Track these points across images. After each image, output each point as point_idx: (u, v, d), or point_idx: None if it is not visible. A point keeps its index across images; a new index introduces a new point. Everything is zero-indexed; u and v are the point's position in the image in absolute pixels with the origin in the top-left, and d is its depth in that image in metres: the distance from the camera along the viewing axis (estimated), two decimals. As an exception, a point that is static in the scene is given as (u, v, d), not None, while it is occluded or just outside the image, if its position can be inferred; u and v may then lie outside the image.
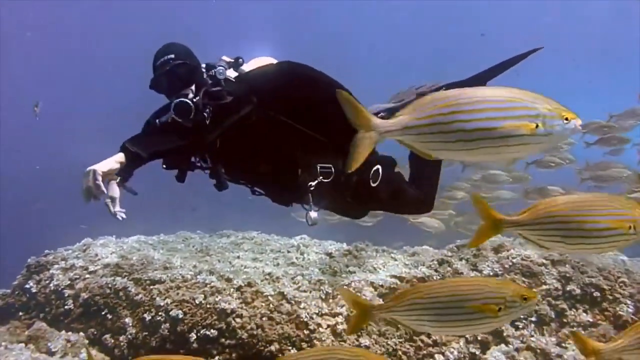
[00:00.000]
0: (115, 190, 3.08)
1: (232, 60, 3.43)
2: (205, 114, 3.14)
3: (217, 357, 4.41)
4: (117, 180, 3.17)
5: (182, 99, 3.14)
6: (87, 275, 5.14)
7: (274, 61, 3.67)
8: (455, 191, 8.68)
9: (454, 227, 8.56)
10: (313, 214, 3.47)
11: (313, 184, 3.41)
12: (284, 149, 3.41)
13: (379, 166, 3.63)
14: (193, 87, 3.24)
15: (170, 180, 3.48)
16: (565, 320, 4.68)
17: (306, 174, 3.41)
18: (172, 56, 3.24)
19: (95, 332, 4.74)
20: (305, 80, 3.45)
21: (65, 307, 4.94)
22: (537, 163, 8.21)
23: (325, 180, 3.44)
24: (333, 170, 3.46)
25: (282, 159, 3.42)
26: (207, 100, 3.18)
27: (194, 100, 3.15)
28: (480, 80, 3.88)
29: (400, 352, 4.45)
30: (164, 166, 3.38)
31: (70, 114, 21.82)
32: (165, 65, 3.22)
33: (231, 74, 3.41)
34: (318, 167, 3.43)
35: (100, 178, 2.77)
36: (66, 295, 5.02)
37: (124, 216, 3.01)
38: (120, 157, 2.92)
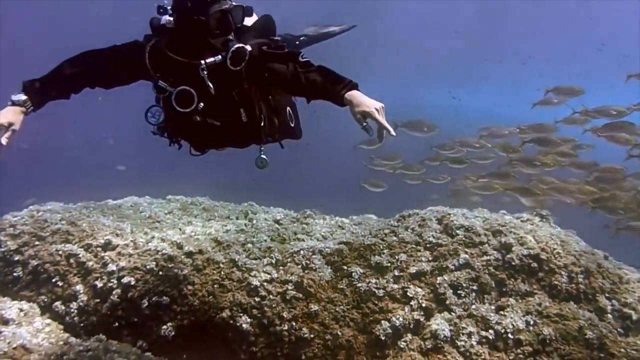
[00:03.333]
0: (19, 122, 3.01)
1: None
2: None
3: (169, 324, 4.48)
4: (29, 109, 3.08)
5: (242, 45, 3.15)
6: (37, 242, 5.04)
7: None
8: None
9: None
10: (263, 156, 3.67)
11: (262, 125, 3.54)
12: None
13: (288, 108, 3.90)
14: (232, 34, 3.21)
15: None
16: (504, 289, 4.90)
17: (258, 116, 3.52)
18: None
19: (45, 300, 4.68)
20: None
21: (14, 274, 4.83)
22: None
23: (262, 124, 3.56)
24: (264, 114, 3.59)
25: (252, 103, 3.48)
26: (279, 49, 3.27)
27: (248, 47, 3.17)
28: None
29: (348, 319, 4.61)
30: None
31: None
32: (223, 2, 3.10)
33: None
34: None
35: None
36: (15, 262, 4.92)
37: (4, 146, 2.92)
38: None
